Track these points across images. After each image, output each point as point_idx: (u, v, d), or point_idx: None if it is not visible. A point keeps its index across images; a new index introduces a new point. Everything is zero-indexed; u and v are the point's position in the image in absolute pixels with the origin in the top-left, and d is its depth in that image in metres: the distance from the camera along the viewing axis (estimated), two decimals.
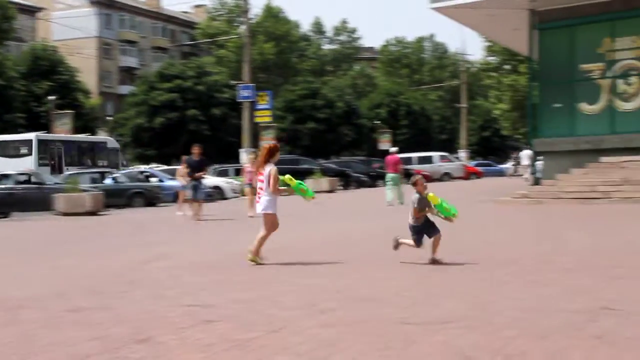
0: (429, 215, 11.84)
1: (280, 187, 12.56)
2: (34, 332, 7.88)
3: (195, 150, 25.10)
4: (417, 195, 11.71)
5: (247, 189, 25.35)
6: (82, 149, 47.65)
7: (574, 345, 6.61)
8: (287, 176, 12.81)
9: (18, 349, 7.16)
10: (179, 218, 25.10)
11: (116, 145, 52.88)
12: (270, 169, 12.44)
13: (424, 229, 11.83)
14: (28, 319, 8.54)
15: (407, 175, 55.39)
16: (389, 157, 30.40)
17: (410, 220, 11.90)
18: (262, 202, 12.53)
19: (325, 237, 17.21)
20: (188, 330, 7.70)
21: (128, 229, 21.94)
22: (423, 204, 11.70)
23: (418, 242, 11.87)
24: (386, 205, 27.85)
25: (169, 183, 36.55)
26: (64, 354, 6.90)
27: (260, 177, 12.58)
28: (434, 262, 11.66)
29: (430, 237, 11.75)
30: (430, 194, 11.60)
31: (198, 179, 24.51)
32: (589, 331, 7.13)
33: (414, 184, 11.85)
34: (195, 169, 24.65)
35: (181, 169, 26.36)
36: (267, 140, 58.40)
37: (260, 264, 12.36)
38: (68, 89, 65.67)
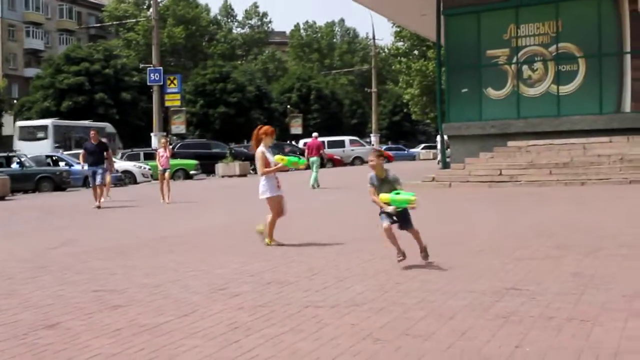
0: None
1: (268, 169, 12.42)
2: None
3: (93, 134, 24.11)
4: (371, 174, 10.43)
5: (161, 174, 24.51)
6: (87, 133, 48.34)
7: (480, 325, 6.76)
8: (278, 156, 12.80)
9: None
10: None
11: (113, 130, 57.13)
12: (256, 152, 12.57)
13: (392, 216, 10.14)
14: None
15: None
16: (311, 142, 31.40)
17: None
18: (259, 188, 12.54)
19: (240, 220, 17.19)
20: (96, 315, 7.64)
21: (35, 214, 21.57)
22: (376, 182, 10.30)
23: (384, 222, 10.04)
24: (310, 188, 28.64)
25: (77, 167, 36.01)
26: None
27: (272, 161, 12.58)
28: (423, 252, 10.28)
29: (401, 229, 10.19)
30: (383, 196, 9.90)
31: (96, 165, 23.23)
32: (495, 311, 7.29)
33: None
34: (94, 153, 23.48)
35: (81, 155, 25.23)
36: (178, 125, 58.15)
37: (281, 244, 12.42)
38: None
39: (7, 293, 9.00)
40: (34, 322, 7.41)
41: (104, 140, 25.52)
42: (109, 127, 56.93)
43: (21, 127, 51.50)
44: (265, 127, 12.82)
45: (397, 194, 9.87)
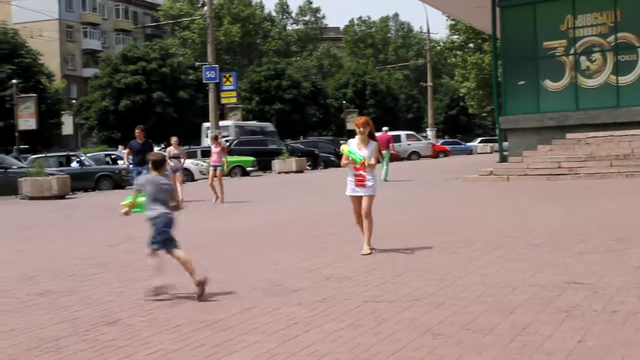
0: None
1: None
2: (1, 316, 7.84)
3: (138, 132, 22.77)
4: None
5: (212, 171, 23.44)
6: (255, 133, 55.55)
7: (541, 319, 6.68)
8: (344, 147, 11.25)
9: None
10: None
11: (273, 129, 60.64)
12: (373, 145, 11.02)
13: None
14: None
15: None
16: (380, 136, 30.99)
17: None
18: (367, 184, 10.93)
19: (297, 216, 17.20)
20: (157, 312, 7.71)
21: (95, 212, 21.81)
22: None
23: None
24: (382, 181, 28.78)
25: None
26: (33, 337, 6.89)
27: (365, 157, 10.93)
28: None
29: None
30: None
31: (143, 165, 21.51)
32: (557, 305, 7.20)
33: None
34: (139, 152, 22.18)
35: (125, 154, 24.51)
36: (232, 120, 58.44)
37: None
38: (31, 72, 64.96)
39: (69, 290, 9.12)
40: (95, 319, 7.50)
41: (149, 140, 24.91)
42: (270, 126, 60.83)
43: (207, 128, 55.77)
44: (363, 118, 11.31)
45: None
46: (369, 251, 10.79)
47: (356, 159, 10.82)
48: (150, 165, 9.26)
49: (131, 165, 22.98)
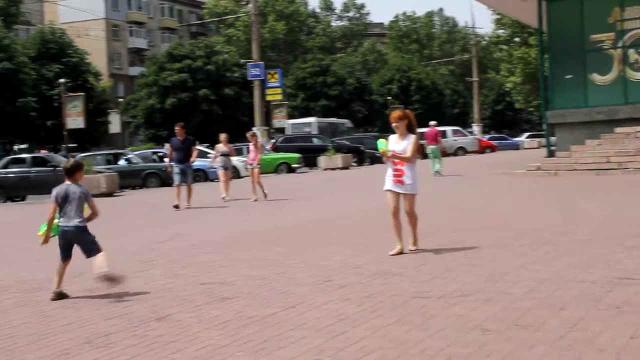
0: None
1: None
2: (53, 312, 7.96)
3: (178, 129, 21.94)
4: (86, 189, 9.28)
5: (250, 170, 23.15)
6: (335, 128, 60.14)
7: (592, 316, 6.60)
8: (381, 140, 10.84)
9: (37, 328, 7.24)
10: (225, 202, 22.06)
11: (351, 125, 65.34)
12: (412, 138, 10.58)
13: None
14: (47, 300, 8.63)
15: (419, 150, 55.48)
16: (428, 131, 32.12)
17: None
18: (406, 182, 10.46)
19: (343, 213, 17.20)
20: (205, 308, 7.75)
21: (143, 210, 22.00)
22: None
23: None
24: (432, 175, 29.43)
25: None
26: (84, 333, 6.96)
27: (398, 151, 10.52)
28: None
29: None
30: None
31: (184, 162, 21.26)
32: (608, 301, 7.11)
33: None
34: (180, 150, 21.46)
35: (168, 152, 23.75)
36: (280, 119, 58.56)
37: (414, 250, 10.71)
38: (78, 71, 65.70)
39: (119, 286, 9.19)
40: (145, 315, 7.56)
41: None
42: (347, 123, 64.57)
43: (292, 124, 59.40)
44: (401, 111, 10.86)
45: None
46: (415, 248, 10.63)
47: (379, 147, 10.65)
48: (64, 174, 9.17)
49: (172, 163, 21.91)
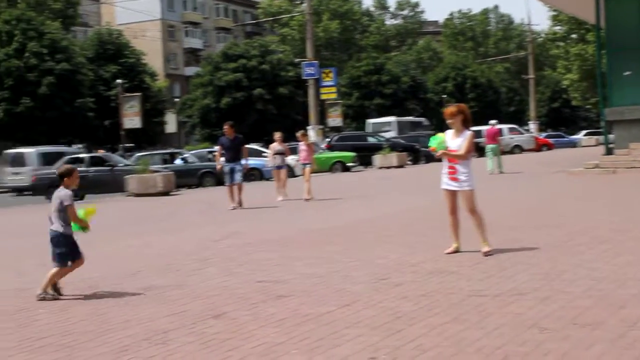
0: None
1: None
2: (112, 309, 8.05)
3: (227, 128, 21.47)
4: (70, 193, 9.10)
5: (303, 169, 23.05)
6: (414, 126, 61.79)
7: None
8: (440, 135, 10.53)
9: (97, 325, 7.33)
10: (279, 205, 21.35)
11: (428, 123, 66.76)
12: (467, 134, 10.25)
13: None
14: (105, 298, 8.74)
15: (475, 148, 55.00)
16: (488, 130, 32.63)
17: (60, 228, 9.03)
18: (461, 179, 10.22)
19: (399, 211, 17.16)
20: (261, 305, 7.79)
21: (200, 208, 22.15)
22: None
23: (65, 264, 9.05)
24: (488, 174, 29.50)
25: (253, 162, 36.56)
26: (142, 330, 7.04)
27: (453, 148, 10.22)
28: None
29: (73, 261, 9.12)
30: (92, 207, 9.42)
31: (234, 161, 20.87)
32: None
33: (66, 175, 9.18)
34: (230, 149, 21.03)
35: (216, 153, 22.98)
36: (334, 118, 58.59)
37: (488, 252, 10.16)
38: (135, 72, 66.42)
39: (176, 284, 9.29)
40: (202, 312, 7.62)
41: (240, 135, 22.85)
42: (425, 121, 65.81)
43: (373, 123, 61.92)
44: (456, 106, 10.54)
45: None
46: (488, 249, 10.15)
47: (430, 144, 10.44)
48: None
49: (222, 161, 21.49)
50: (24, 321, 7.76)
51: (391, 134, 56.38)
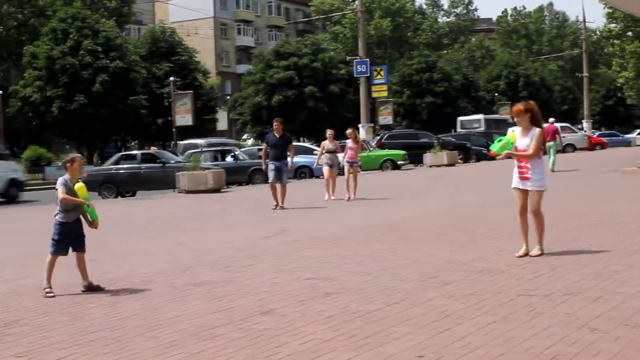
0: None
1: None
2: (161, 304, 8.12)
3: (276, 125, 20.53)
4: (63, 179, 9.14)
5: (347, 167, 21.99)
6: (498, 122, 61.81)
7: None
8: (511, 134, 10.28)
9: (147, 320, 7.40)
10: (328, 203, 21.06)
11: (512, 120, 66.88)
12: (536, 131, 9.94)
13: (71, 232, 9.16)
14: (156, 293, 8.81)
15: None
16: (547, 127, 32.19)
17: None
18: (532, 178, 9.99)
19: (448, 209, 17.08)
20: (309, 303, 7.80)
21: (250, 205, 22.24)
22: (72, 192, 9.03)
23: (58, 252, 9.11)
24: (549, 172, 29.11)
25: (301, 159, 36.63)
26: (190, 325, 7.09)
27: (522, 148, 9.98)
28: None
29: (74, 251, 9.16)
30: (80, 185, 9.08)
31: (280, 159, 19.94)
32: None
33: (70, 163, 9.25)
34: (277, 147, 20.09)
35: (262, 150, 21.80)
36: (385, 116, 58.45)
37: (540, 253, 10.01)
38: (187, 69, 66.81)
39: (225, 280, 9.34)
40: (250, 309, 7.66)
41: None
42: (509, 118, 67.28)
43: (461, 121, 63.63)
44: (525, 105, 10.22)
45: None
46: (539, 252, 9.91)
47: (492, 147, 10.22)
48: None
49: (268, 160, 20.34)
50: (75, 315, 7.86)
51: (479, 130, 58.68)
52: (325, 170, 22.44)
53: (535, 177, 9.95)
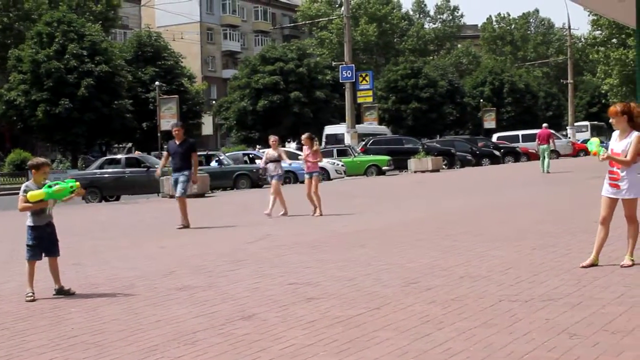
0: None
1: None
2: (143, 309, 8.11)
3: (176, 131, 17.97)
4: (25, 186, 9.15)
5: (306, 180, 19.34)
6: None
7: None
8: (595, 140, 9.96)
9: (128, 325, 7.40)
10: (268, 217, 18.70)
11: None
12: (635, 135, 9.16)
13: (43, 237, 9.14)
14: (137, 297, 8.80)
15: (511, 153, 54.44)
16: (540, 131, 35.09)
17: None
18: (622, 186, 9.24)
19: (431, 215, 17.12)
20: (291, 308, 7.81)
21: (233, 210, 22.24)
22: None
23: (34, 257, 9.10)
24: (541, 173, 31.90)
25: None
26: (171, 330, 7.09)
27: (617, 152, 9.31)
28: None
29: (46, 256, 9.16)
30: (33, 193, 8.86)
31: (180, 170, 17.24)
32: None
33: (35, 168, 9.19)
34: (177, 155, 17.44)
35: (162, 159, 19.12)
36: (370, 121, 58.45)
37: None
38: (173, 74, 66.70)
39: (207, 285, 9.34)
40: (232, 314, 7.66)
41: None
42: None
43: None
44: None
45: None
46: (630, 263, 9.23)
47: (590, 148, 9.53)
48: None
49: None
50: (56, 320, 7.85)
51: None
52: (272, 183, 19.50)
53: (626, 186, 9.19)
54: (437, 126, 78.63)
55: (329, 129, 56.48)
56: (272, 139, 20.30)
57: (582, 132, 59.11)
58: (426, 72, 79.16)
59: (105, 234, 17.01)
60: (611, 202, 9.39)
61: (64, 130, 56.04)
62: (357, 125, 53.87)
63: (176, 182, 17.29)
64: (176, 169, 17.38)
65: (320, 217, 18.16)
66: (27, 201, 8.89)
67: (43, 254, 9.12)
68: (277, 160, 19.56)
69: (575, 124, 66.61)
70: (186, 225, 17.04)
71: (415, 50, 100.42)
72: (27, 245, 9.07)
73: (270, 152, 19.91)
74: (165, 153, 18.47)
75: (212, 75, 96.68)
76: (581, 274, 8.80)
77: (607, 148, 9.54)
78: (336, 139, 52.30)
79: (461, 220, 15.52)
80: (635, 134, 9.13)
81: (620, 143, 9.28)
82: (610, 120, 9.50)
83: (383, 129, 62.15)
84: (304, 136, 19.64)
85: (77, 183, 9.07)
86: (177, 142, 17.61)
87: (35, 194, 8.81)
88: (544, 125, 36.49)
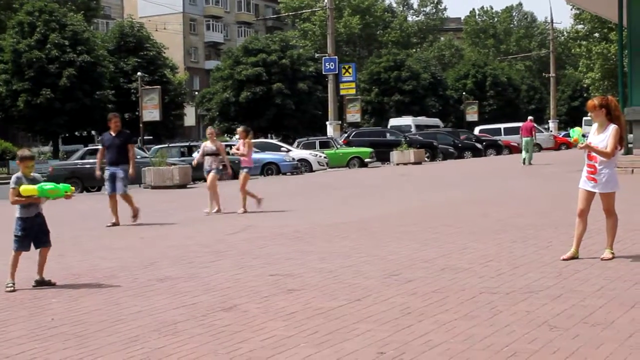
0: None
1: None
2: (124, 300, 8.10)
3: (113, 123, 16.62)
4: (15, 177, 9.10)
5: (207, 176, 18.42)
6: None
7: None
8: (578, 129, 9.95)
9: (109, 315, 7.38)
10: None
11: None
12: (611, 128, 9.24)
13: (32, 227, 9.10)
14: (118, 288, 8.78)
15: (493, 145, 54.54)
16: (524, 124, 36.38)
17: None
18: (600, 180, 9.31)
19: (413, 208, 17.14)
20: (272, 299, 7.81)
21: None
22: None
23: (21, 248, 9.05)
24: (522, 165, 33.46)
25: (255, 156, 36.69)
26: (152, 321, 7.08)
27: (595, 144, 9.31)
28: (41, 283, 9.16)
29: (36, 247, 9.14)
30: (26, 187, 8.82)
31: (117, 165, 16.16)
32: None
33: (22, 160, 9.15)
34: (113, 148, 16.29)
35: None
36: (353, 113, 58.45)
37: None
38: (155, 64, 66.46)
39: (188, 276, 9.32)
40: (212, 305, 7.65)
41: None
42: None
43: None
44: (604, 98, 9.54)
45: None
46: (610, 256, 9.29)
47: (571, 135, 9.65)
48: None
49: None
50: (36, 310, 7.82)
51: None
52: (207, 177, 18.51)
53: (604, 179, 9.26)
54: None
55: (394, 121, 60.89)
56: (209, 130, 19.54)
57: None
58: (409, 65, 79.18)
59: (87, 224, 16.95)
60: (588, 195, 9.46)
61: (45, 120, 55.78)
62: (413, 118, 59.79)
63: (112, 177, 16.14)
64: (112, 163, 16.20)
65: (303, 209, 18.12)
66: (18, 194, 8.85)
67: (32, 245, 9.08)
68: (216, 154, 18.55)
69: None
70: (134, 215, 16.36)
71: (398, 43, 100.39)
72: (15, 236, 9.03)
73: (207, 145, 18.81)
74: (100, 147, 17.18)
75: (195, 66, 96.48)
76: (562, 267, 8.84)
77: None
78: (400, 130, 52.81)
79: (442, 213, 15.55)
80: (612, 126, 9.20)
81: (598, 137, 9.34)
82: (589, 114, 9.54)
83: (436, 120, 65.48)
84: (239, 129, 19.12)
85: (72, 188, 9.15)
86: (113, 134, 16.41)
87: (29, 189, 8.79)
88: (529, 117, 37.62)
